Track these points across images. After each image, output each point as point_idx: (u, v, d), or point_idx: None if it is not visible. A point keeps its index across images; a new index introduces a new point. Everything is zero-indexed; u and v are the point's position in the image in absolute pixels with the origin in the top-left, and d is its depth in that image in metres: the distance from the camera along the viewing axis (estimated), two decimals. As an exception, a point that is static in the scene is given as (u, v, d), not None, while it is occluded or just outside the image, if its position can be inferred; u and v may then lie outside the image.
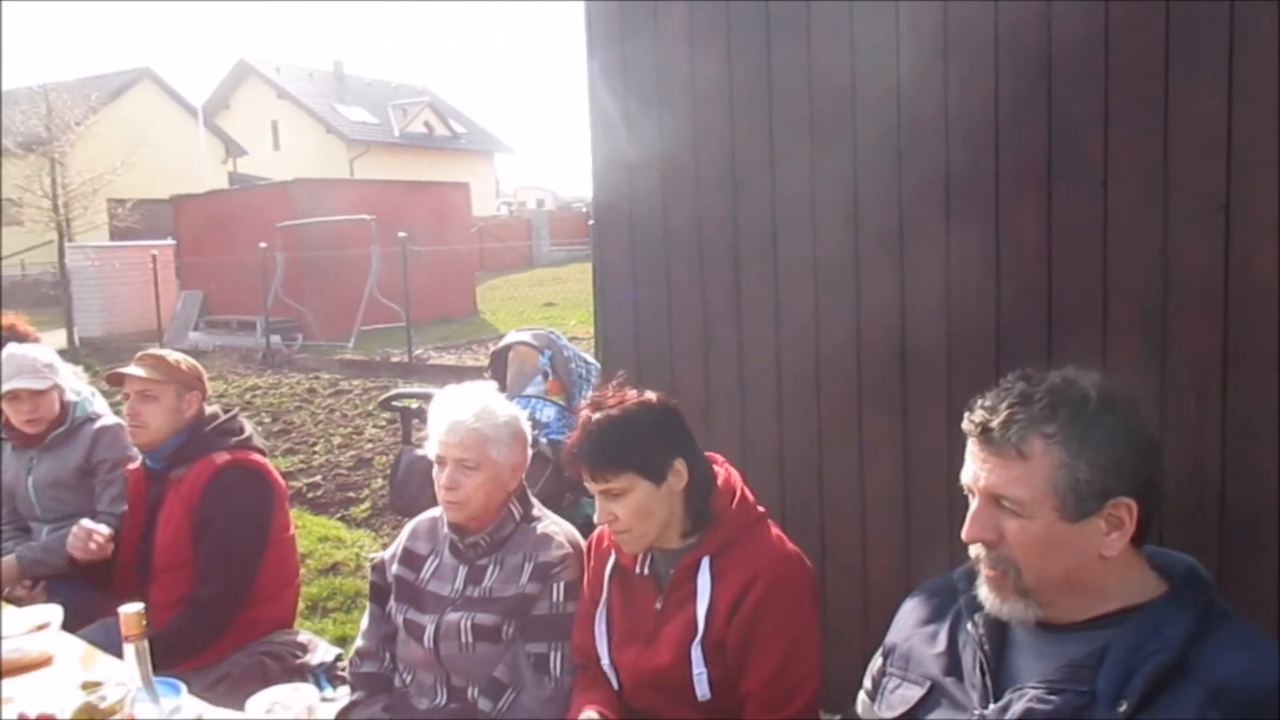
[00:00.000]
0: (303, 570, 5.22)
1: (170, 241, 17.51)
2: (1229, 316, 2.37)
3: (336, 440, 7.88)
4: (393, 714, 2.31)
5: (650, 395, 2.05)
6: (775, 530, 2.04)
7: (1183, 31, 2.36)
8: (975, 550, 1.43)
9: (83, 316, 16.23)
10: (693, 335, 3.25)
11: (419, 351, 11.82)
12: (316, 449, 7.63)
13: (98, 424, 3.47)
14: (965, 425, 1.42)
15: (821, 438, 2.98)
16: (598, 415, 1.98)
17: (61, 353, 12.27)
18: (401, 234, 12.14)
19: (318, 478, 6.73)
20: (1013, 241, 2.62)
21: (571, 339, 7.33)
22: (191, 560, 2.85)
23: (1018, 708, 1.34)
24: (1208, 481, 2.40)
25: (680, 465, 1.98)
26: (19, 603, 3.14)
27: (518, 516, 2.32)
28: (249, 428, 3.07)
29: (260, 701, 1.71)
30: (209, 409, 3.01)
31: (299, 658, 2.93)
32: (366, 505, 6.22)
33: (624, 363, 3.45)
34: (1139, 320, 2.46)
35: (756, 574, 1.91)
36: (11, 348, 3.40)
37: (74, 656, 2.33)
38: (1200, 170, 2.35)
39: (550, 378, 4.53)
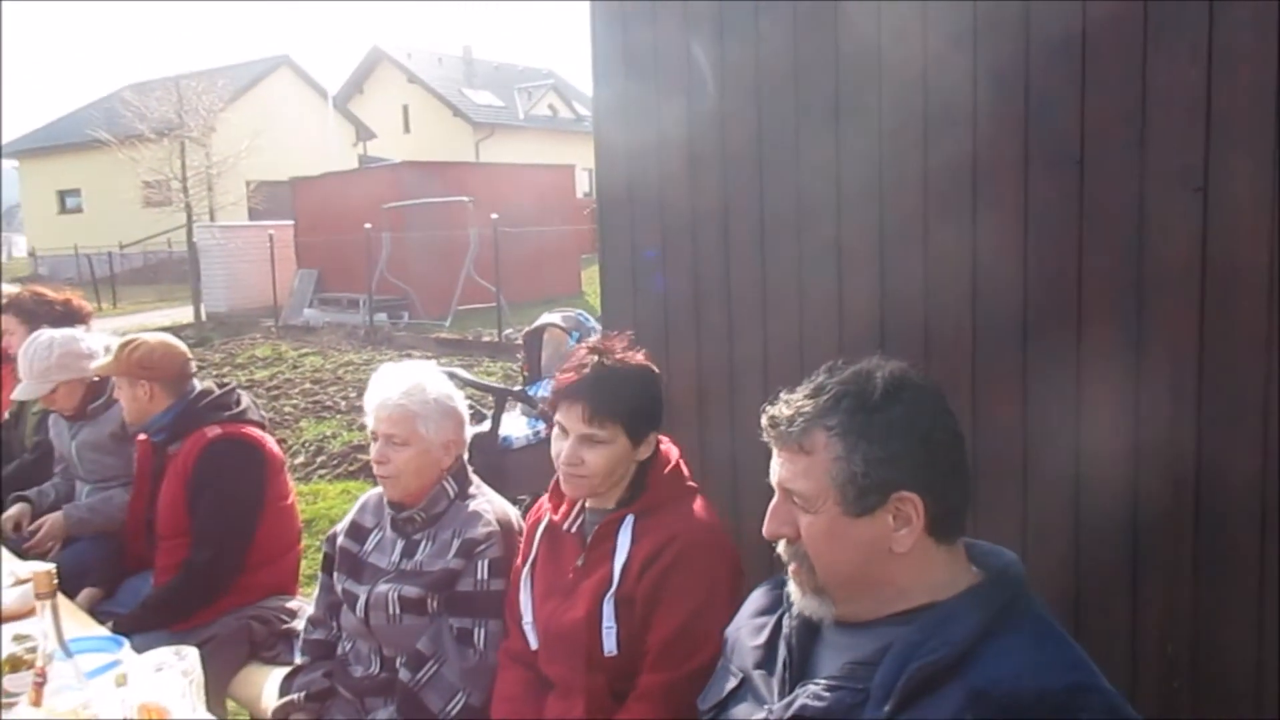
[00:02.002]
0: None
1: (290, 222, 18.28)
2: (1205, 305, 2.22)
3: (412, 417, 8.09)
4: (333, 680, 2.39)
5: (648, 362, 2.09)
6: (703, 503, 2.06)
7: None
8: (779, 546, 1.39)
9: (209, 292, 17.14)
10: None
11: (509, 331, 12.02)
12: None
13: None
14: (762, 420, 1.38)
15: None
16: (608, 361, 2.01)
17: (187, 327, 13.00)
18: (494, 215, 12.36)
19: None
20: (987, 226, 2.52)
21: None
22: (189, 528, 3.00)
23: (798, 704, 1.30)
24: (1183, 477, 2.26)
25: (653, 437, 2.05)
26: (42, 557, 3.37)
27: (452, 494, 2.36)
28: (246, 401, 3.19)
29: (149, 660, 1.79)
30: (202, 385, 3.14)
31: (285, 623, 3.05)
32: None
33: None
34: (1115, 307, 2.33)
35: (675, 535, 1.94)
36: (25, 351, 3.52)
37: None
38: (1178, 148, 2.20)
39: (579, 359, 4.57)
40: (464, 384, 4.88)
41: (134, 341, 3.10)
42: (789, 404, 1.35)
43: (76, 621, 2.47)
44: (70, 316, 4.03)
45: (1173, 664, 2.28)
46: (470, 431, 3.32)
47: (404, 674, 2.22)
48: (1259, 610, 2.16)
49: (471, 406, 4.58)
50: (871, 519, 1.29)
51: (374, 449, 2.33)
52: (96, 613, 3.10)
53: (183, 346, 3.14)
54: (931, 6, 2.55)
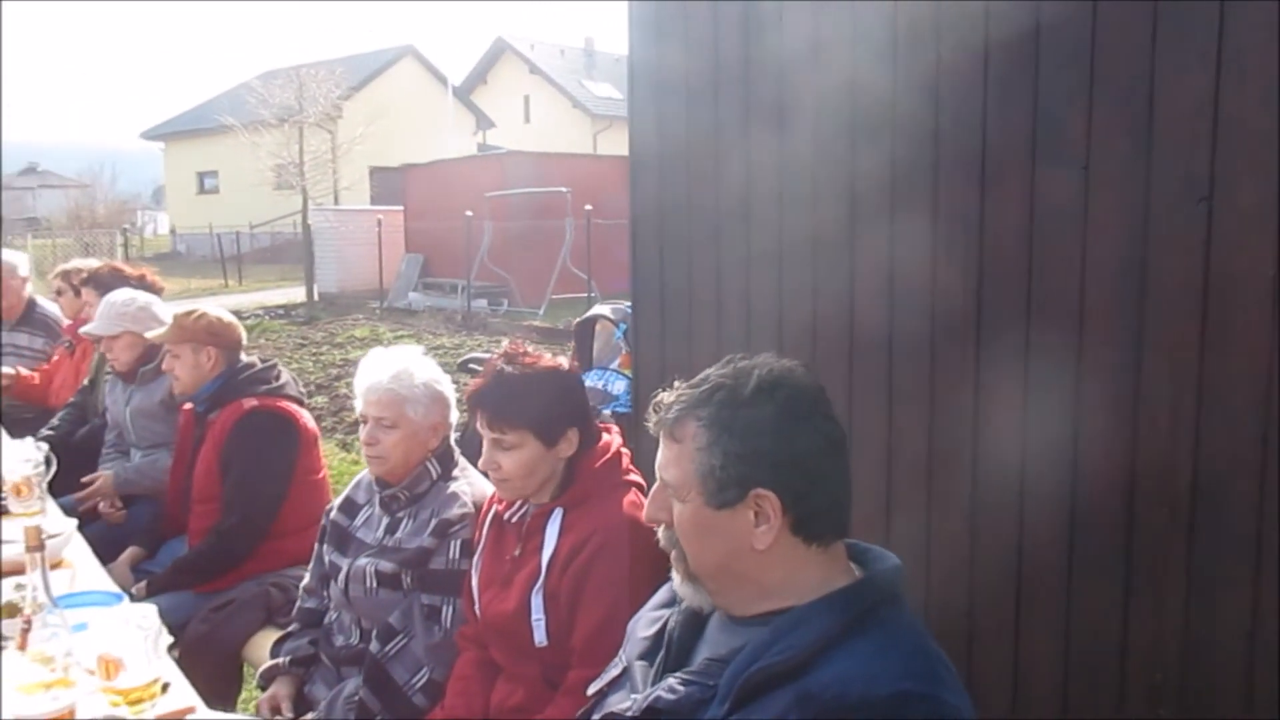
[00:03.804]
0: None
1: (399, 208, 18.82)
2: (1207, 317, 2.13)
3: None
4: (317, 648, 2.50)
5: (561, 362, 2.14)
6: (635, 497, 2.06)
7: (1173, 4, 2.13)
8: (659, 531, 1.41)
9: (322, 273, 17.80)
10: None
11: (599, 321, 12.14)
12: (464, 407, 8.03)
13: None
14: (650, 405, 1.40)
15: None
16: (510, 368, 2.06)
17: (299, 306, 13.43)
18: (587, 207, 12.48)
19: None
20: (992, 224, 2.46)
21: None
22: (220, 494, 3.16)
23: (654, 695, 1.32)
24: (1178, 488, 2.17)
25: (573, 434, 2.07)
26: (107, 518, 3.60)
27: (434, 474, 2.43)
28: (285, 376, 3.33)
29: (114, 615, 1.91)
30: (246, 359, 3.30)
31: (303, 591, 3.18)
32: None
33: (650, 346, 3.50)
34: (1116, 314, 2.26)
35: (596, 530, 1.97)
36: (109, 295, 3.80)
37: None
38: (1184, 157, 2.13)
39: (625, 351, 4.61)
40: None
41: (195, 311, 3.29)
42: (674, 392, 1.37)
43: (101, 577, 2.62)
44: (146, 289, 4.27)
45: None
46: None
47: (374, 645, 2.30)
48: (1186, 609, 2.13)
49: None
50: (732, 513, 1.29)
51: (363, 431, 2.42)
52: (137, 571, 3.31)
53: (237, 320, 3.34)
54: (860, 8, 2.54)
